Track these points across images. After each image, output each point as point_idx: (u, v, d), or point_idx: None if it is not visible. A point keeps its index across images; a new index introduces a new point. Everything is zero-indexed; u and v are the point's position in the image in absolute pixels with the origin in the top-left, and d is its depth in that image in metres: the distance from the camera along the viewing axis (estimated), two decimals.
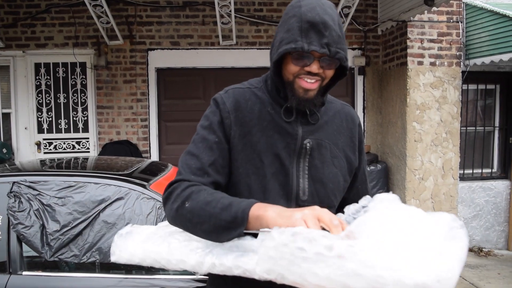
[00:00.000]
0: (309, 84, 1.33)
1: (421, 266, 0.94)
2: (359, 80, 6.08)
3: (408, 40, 5.29)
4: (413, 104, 5.32)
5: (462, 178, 5.86)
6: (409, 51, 5.30)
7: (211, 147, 1.39)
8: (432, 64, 5.35)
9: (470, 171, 6.03)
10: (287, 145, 1.40)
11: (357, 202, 1.57)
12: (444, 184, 5.47)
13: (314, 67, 1.31)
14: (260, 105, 1.43)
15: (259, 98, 1.45)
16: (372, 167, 5.57)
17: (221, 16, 5.25)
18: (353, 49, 6.02)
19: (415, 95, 5.32)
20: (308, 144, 1.41)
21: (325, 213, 1.09)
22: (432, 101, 5.36)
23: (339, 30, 1.32)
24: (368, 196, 1.35)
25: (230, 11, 5.08)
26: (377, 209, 1.17)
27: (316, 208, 1.12)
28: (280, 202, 1.38)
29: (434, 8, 4.88)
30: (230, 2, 4.90)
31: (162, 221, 2.75)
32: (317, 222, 1.07)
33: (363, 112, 6.11)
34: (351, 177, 1.53)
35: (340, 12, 5.33)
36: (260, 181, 1.39)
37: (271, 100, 1.44)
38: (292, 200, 1.41)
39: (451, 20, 5.36)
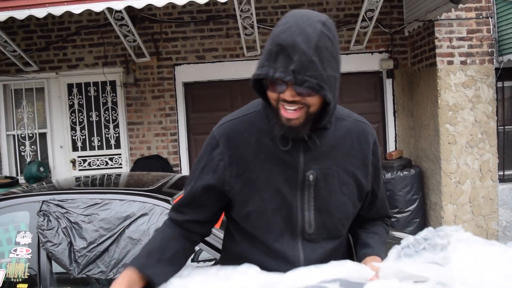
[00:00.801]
0: (290, 113, 1.19)
1: None
2: (388, 84, 5.95)
3: (436, 40, 5.14)
4: (445, 105, 5.16)
5: (502, 179, 5.60)
6: (437, 51, 5.14)
7: (196, 188, 1.38)
8: (463, 62, 5.17)
9: (511, 172, 5.76)
10: (288, 178, 1.31)
11: (374, 217, 1.53)
12: (483, 187, 5.25)
13: (287, 95, 1.17)
14: (257, 135, 1.33)
15: (256, 126, 1.34)
16: (405, 172, 5.42)
17: (244, 28, 5.28)
18: (380, 52, 5.91)
19: (447, 95, 5.15)
20: (311, 176, 1.30)
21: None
22: (465, 101, 5.18)
23: (315, 54, 1.12)
24: (430, 228, 1.22)
25: (253, 22, 5.09)
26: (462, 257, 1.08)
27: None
28: (285, 237, 1.34)
29: (462, 5, 4.73)
30: (252, 14, 4.91)
31: None
32: None
33: (394, 115, 5.97)
34: (361, 203, 1.43)
35: (363, 15, 5.26)
36: (261, 219, 1.33)
37: (268, 127, 1.32)
38: (297, 234, 1.35)
39: (481, 16, 5.17)
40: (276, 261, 1.33)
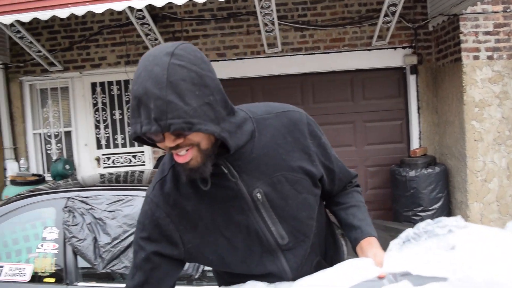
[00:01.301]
0: (181, 157, 1.13)
1: None
2: (411, 80, 5.85)
3: (461, 34, 5.03)
4: (470, 101, 5.04)
5: None
6: (463, 45, 5.03)
7: (140, 266, 1.31)
8: (490, 57, 5.05)
9: None
10: (238, 207, 1.26)
11: (343, 189, 1.52)
12: (511, 185, 5.11)
13: (168, 142, 1.10)
14: (190, 184, 1.25)
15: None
16: (429, 170, 5.32)
17: (265, 25, 5.26)
18: (404, 47, 5.82)
19: (473, 91, 5.04)
20: (258, 195, 1.26)
21: None
22: (492, 97, 5.06)
23: (171, 92, 1.03)
24: (429, 220, 1.21)
25: (273, 19, 5.08)
26: (463, 242, 1.09)
27: None
28: (265, 258, 1.32)
29: None
30: (272, 10, 4.90)
31: None
32: None
33: (418, 112, 5.87)
34: (319, 187, 1.39)
35: (386, 10, 5.18)
36: (236, 255, 1.30)
37: None
38: (274, 249, 1.32)
39: (508, 10, 5.03)
40: (263, 278, 1.34)
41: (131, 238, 2.84)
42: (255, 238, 1.29)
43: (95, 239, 2.87)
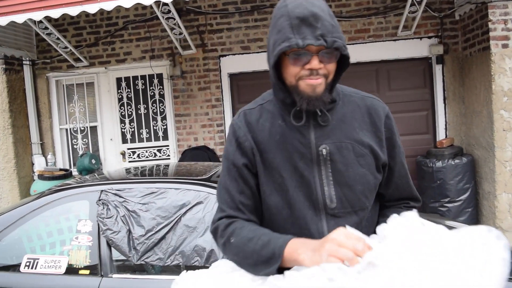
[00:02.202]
0: (314, 80, 1.28)
1: None
2: (437, 70, 5.77)
3: (490, 23, 4.93)
4: (499, 90, 4.95)
5: None
6: (491, 34, 4.93)
7: (235, 178, 1.42)
8: None
9: None
10: (302, 155, 1.36)
11: (397, 197, 1.54)
12: None
13: (315, 63, 1.25)
14: (271, 119, 1.41)
15: (270, 112, 1.43)
16: (456, 161, 5.25)
17: None
18: (429, 37, 5.73)
19: (501, 80, 4.94)
20: (324, 150, 1.35)
21: (347, 239, 1.10)
22: None
23: (332, 20, 1.26)
24: (395, 216, 1.25)
25: None
26: (396, 236, 1.11)
27: (336, 238, 1.11)
28: (308, 214, 1.37)
29: None
30: None
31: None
32: (341, 253, 1.07)
33: (444, 102, 5.79)
34: (381, 173, 1.45)
35: (412, 0, 5.11)
36: (284, 197, 1.38)
37: (281, 111, 1.41)
38: (320, 209, 1.37)
39: None
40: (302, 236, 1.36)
41: (165, 230, 2.88)
42: (306, 189, 1.36)
43: (129, 231, 2.91)
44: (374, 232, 1.51)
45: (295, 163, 1.36)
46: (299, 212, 1.37)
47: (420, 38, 5.74)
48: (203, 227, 2.86)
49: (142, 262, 2.84)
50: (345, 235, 1.11)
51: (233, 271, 1.40)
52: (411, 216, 1.17)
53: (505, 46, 4.94)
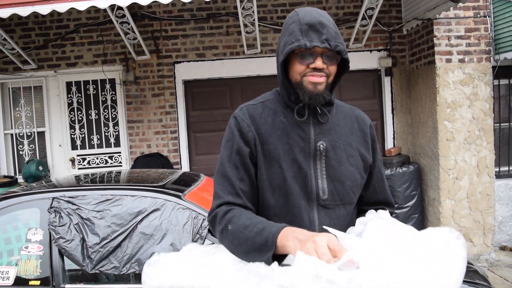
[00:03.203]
0: (317, 77, 1.45)
1: None
2: (386, 81, 6.02)
3: (435, 38, 5.22)
4: (443, 102, 5.23)
5: (498, 176, 5.72)
6: (436, 49, 5.22)
7: (236, 165, 1.51)
8: (461, 61, 5.25)
9: (506, 168, 5.87)
10: (302, 149, 1.51)
11: (374, 200, 1.67)
12: (480, 182, 5.33)
13: (319, 63, 1.43)
14: (273, 115, 1.55)
15: (271, 109, 1.57)
16: (404, 169, 5.48)
17: (245, 26, 5.30)
18: (379, 50, 5.97)
19: (445, 93, 5.23)
20: (321, 146, 1.51)
21: (330, 242, 1.16)
22: (463, 98, 5.26)
23: (335, 29, 1.47)
24: (372, 211, 1.38)
25: (254, 20, 5.12)
26: (371, 232, 1.20)
27: (322, 238, 1.17)
28: (302, 203, 1.49)
29: (460, 4, 4.80)
30: (253, 11, 4.94)
31: (195, 235, 2.78)
32: (326, 251, 1.13)
33: (392, 113, 6.04)
34: (366, 174, 1.62)
35: (364, 13, 5.31)
36: (282, 185, 1.49)
37: (283, 109, 1.55)
38: (313, 200, 1.50)
39: (478, 15, 5.25)
40: (291, 225, 1.42)
41: (121, 238, 2.82)
42: (302, 180, 1.49)
43: (83, 240, 2.83)
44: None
45: (294, 155, 1.49)
46: (294, 201, 1.49)
47: (370, 51, 5.97)
48: (160, 234, 2.83)
49: (97, 271, 2.77)
50: (328, 240, 1.17)
51: (208, 256, 1.43)
52: (384, 215, 1.29)
53: (448, 60, 5.23)
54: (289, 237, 1.26)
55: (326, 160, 1.51)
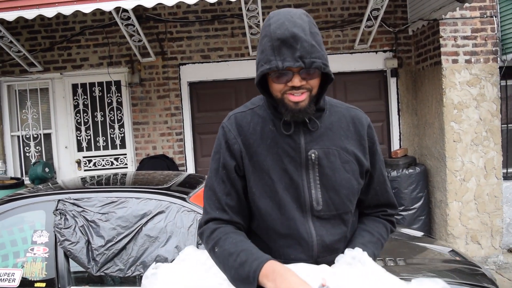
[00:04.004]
0: (297, 97, 1.36)
1: None
2: (392, 83, 5.99)
3: (441, 39, 5.18)
4: (450, 103, 5.20)
5: (506, 177, 5.66)
6: (442, 49, 5.18)
7: (222, 179, 1.47)
8: (468, 61, 5.21)
9: None
10: (292, 159, 1.43)
11: (376, 203, 1.62)
12: (487, 184, 5.29)
13: (296, 81, 1.33)
14: (262, 124, 1.47)
15: (261, 116, 1.49)
16: (410, 170, 5.45)
17: (250, 27, 5.29)
18: (384, 51, 5.95)
19: (452, 94, 5.19)
20: (313, 155, 1.43)
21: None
22: (470, 99, 5.22)
23: (312, 39, 1.31)
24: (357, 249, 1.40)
25: (259, 21, 5.11)
26: (345, 274, 1.24)
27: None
28: (296, 215, 1.43)
29: (467, 4, 4.77)
30: (258, 13, 4.93)
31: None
32: None
33: (398, 114, 6.01)
34: (364, 179, 1.53)
35: (369, 14, 5.29)
36: (273, 198, 1.43)
37: (272, 117, 1.47)
38: (307, 211, 1.44)
39: (485, 15, 5.21)
40: (289, 238, 1.44)
41: (126, 240, 2.82)
42: (294, 191, 1.43)
43: (88, 242, 2.84)
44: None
45: (285, 166, 1.42)
46: (288, 214, 1.43)
47: (376, 52, 5.95)
48: (165, 236, 2.82)
49: (102, 274, 2.78)
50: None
51: (204, 269, 1.43)
52: (359, 256, 1.31)
53: (455, 61, 5.20)
54: (270, 277, 1.26)
55: (319, 169, 1.43)
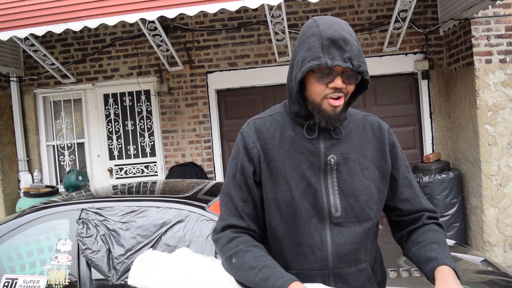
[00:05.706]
0: (337, 101, 1.36)
1: None
2: (423, 85, 5.82)
3: (473, 38, 4.99)
4: (483, 105, 4.99)
5: None
6: (475, 49, 4.99)
7: (239, 185, 1.46)
8: (502, 61, 4.99)
9: None
10: (311, 164, 1.42)
11: (410, 209, 1.53)
12: None
13: (338, 82, 1.34)
14: (281, 129, 1.47)
15: (280, 122, 1.49)
16: (443, 175, 5.26)
17: (276, 34, 5.28)
18: (415, 53, 5.79)
19: (486, 95, 4.99)
20: (332, 160, 1.42)
21: None
22: (505, 100, 4.99)
23: (358, 45, 1.36)
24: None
25: (284, 27, 5.09)
26: None
27: None
28: (313, 222, 1.40)
29: (499, 2, 4.58)
30: (283, 19, 4.91)
31: None
32: None
33: (430, 117, 5.82)
34: (386, 186, 1.50)
35: (397, 16, 5.17)
36: (290, 204, 1.41)
37: (292, 123, 1.47)
38: (325, 218, 1.41)
39: None
40: (302, 246, 1.41)
41: (145, 249, 2.85)
42: (312, 197, 1.41)
43: (109, 251, 2.88)
44: (378, 259, 1.58)
45: (303, 171, 1.41)
46: (303, 220, 1.41)
47: (406, 54, 5.80)
48: (184, 245, 2.83)
49: (122, 282, 2.81)
50: None
51: (204, 267, 1.43)
52: None
53: (488, 61, 4.99)
54: None
55: (337, 175, 1.41)
